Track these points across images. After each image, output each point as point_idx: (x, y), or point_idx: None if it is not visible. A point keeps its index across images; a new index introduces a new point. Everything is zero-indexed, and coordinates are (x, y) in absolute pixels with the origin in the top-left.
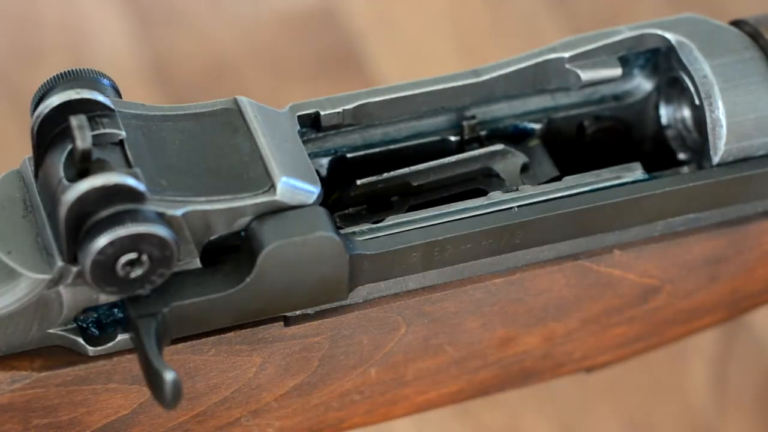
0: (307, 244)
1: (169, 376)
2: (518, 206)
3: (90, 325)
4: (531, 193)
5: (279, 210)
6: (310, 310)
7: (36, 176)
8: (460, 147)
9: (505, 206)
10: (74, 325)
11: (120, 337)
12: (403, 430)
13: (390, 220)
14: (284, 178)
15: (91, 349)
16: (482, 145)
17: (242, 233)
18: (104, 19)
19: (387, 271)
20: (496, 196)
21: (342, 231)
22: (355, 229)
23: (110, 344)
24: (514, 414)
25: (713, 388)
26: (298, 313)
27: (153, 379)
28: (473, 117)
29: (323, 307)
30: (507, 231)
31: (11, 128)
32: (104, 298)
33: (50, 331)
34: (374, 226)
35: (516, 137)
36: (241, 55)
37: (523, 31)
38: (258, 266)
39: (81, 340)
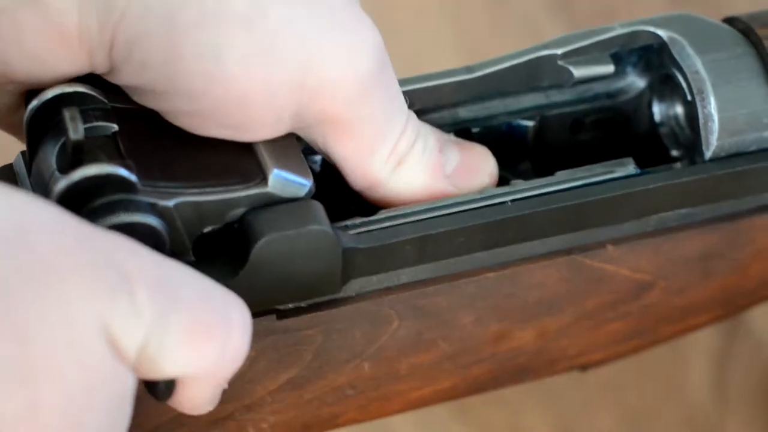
0: (300, 238)
1: None
2: (511, 200)
3: None
4: (523, 187)
5: (272, 203)
6: (303, 303)
7: (29, 170)
8: None
9: (498, 200)
10: None
11: None
12: (402, 429)
13: (383, 214)
14: (276, 171)
15: None
16: None
17: (235, 225)
18: None
19: (380, 265)
20: (488, 191)
21: (335, 224)
22: (348, 222)
23: None
24: (514, 413)
25: (713, 388)
26: (290, 306)
27: None
28: (464, 127)
29: (316, 300)
30: (501, 225)
31: None
32: None
33: None
34: (367, 219)
35: (509, 135)
36: None
37: (523, 31)
38: (251, 259)
39: None
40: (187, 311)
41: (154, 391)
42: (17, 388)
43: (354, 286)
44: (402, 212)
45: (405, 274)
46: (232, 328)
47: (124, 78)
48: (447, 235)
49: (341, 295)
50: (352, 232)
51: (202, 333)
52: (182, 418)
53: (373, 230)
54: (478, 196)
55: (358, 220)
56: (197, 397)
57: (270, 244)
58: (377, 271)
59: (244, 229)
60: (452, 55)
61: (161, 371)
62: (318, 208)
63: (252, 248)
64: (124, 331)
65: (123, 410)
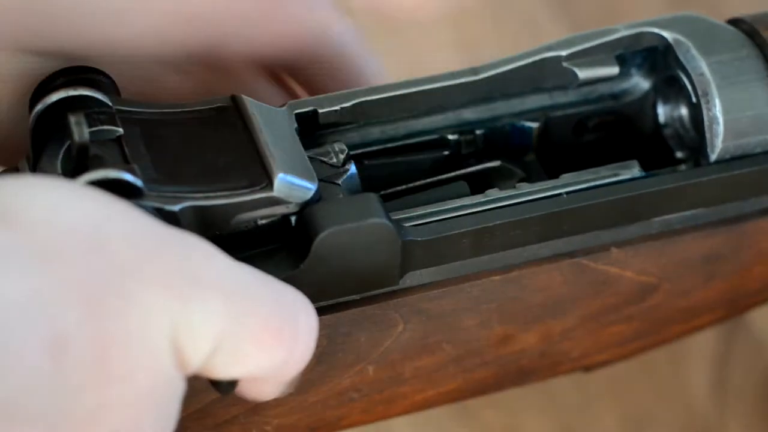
0: (361, 231)
1: None
2: (564, 193)
3: None
4: (528, 190)
5: (331, 197)
6: (357, 296)
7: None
8: (458, 146)
9: (504, 203)
10: None
11: None
12: (402, 429)
13: (437, 206)
14: (281, 175)
15: None
16: (478, 149)
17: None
18: None
19: (438, 257)
20: (492, 193)
21: (393, 217)
22: (404, 215)
23: None
24: (515, 414)
25: (714, 389)
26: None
27: None
28: (469, 128)
29: (321, 303)
30: (556, 217)
31: None
32: None
33: None
34: (422, 212)
35: (513, 136)
36: None
37: (523, 31)
38: (312, 252)
39: None
40: (257, 317)
41: (216, 387)
42: (91, 390)
43: (410, 279)
44: (456, 205)
45: (409, 278)
46: (300, 331)
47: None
48: (503, 228)
49: (345, 298)
50: (408, 224)
51: (271, 338)
52: (185, 422)
53: (430, 222)
54: (482, 200)
55: (413, 213)
56: (261, 392)
57: (331, 237)
58: (435, 263)
59: (305, 222)
60: (453, 55)
61: (227, 373)
62: (376, 201)
63: (313, 241)
64: (194, 339)
65: (173, 416)
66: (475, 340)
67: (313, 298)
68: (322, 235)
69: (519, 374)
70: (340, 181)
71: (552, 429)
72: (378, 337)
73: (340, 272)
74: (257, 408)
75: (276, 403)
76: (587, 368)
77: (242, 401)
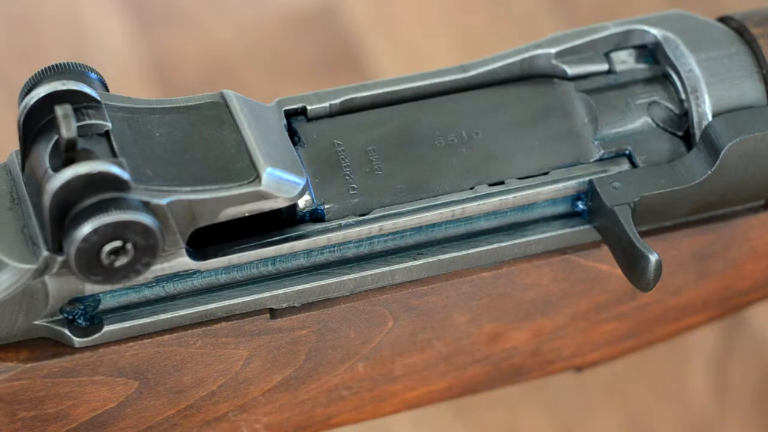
0: (765, 140)
1: (654, 257)
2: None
3: (76, 316)
4: (517, 186)
5: (733, 109)
6: (296, 303)
7: (23, 169)
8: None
9: (492, 199)
10: (60, 316)
11: (106, 328)
12: (401, 428)
13: None
14: (269, 169)
15: (77, 341)
16: None
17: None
18: (104, 19)
19: None
20: (482, 188)
21: None
22: None
23: (96, 335)
24: (514, 414)
25: (713, 388)
26: (284, 305)
27: (634, 261)
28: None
29: (310, 299)
30: None
31: (11, 128)
32: (90, 288)
33: (36, 322)
34: None
35: None
36: (241, 55)
37: (523, 31)
38: (720, 159)
39: (67, 332)
40: None
41: None
42: None
43: (348, 285)
44: None
45: (398, 274)
46: None
47: None
48: None
49: (335, 294)
50: None
51: None
52: (175, 419)
53: None
54: (471, 195)
55: None
56: None
57: (738, 145)
58: None
59: (712, 134)
60: (452, 54)
61: None
62: None
63: (722, 150)
64: None
65: None
66: (465, 338)
67: (716, 204)
68: (730, 144)
69: (511, 373)
70: None
71: (552, 429)
72: (368, 334)
73: (742, 179)
74: (247, 405)
75: (266, 400)
76: (579, 367)
77: (232, 398)
